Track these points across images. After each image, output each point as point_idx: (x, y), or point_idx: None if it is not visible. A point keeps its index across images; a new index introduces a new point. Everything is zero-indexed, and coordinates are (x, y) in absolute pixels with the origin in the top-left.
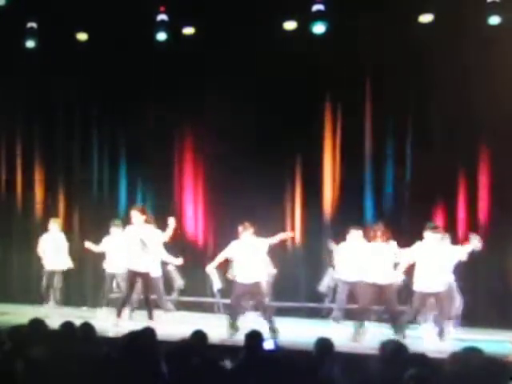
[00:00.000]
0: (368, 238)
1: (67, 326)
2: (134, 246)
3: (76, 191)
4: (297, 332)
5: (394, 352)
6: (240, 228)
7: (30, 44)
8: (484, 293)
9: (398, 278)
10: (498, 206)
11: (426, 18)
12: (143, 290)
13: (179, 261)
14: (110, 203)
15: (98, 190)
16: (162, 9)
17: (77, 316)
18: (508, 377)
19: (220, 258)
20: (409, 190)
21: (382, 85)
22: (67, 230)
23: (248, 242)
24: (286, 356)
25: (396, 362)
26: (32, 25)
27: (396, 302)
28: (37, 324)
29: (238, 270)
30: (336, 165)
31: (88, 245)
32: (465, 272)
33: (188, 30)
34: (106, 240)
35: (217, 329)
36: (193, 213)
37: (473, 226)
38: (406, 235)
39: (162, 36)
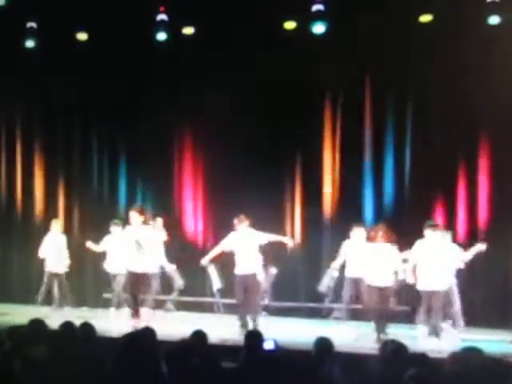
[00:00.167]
0: (369, 238)
1: (67, 326)
2: (131, 247)
3: (76, 191)
4: (297, 332)
5: (393, 352)
6: (235, 221)
7: (30, 44)
8: (484, 293)
9: (400, 278)
10: (499, 205)
11: (425, 18)
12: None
13: (172, 267)
14: (110, 202)
15: (97, 190)
16: (161, 9)
17: (77, 316)
18: (508, 377)
19: (216, 251)
20: (409, 189)
21: (381, 85)
22: (67, 229)
23: (244, 234)
24: (286, 356)
25: (396, 362)
26: (32, 25)
27: (391, 302)
28: (37, 324)
29: (236, 262)
30: (336, 164)
31: (89, 244)
32: (465, 272)
33: (188, 30)
34: (106, 239)
35: (217, 329)
36: (193, 212)
37: (473, 225)
38: (407, 235)
39: (161, 36)
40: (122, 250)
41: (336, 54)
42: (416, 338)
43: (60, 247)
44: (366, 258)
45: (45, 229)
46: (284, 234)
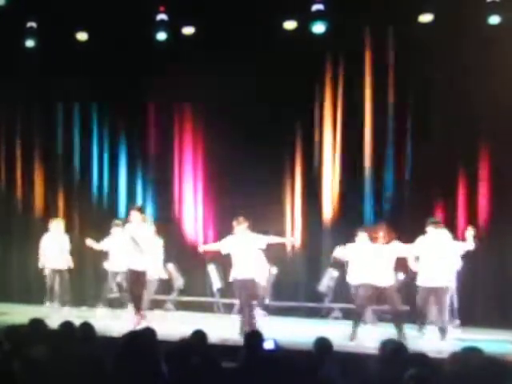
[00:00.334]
0: (370, 238)
1: (67, 325)
2: (129, 245)
3: (76, 190)
4: (297, 332)
5: (393, 352)
6: (234, 222)
7: (30, 44)
8: (484, 293)
9: (399, 278)
10: (498, 205)
11: (425, 18)
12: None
13: (164, 274)
14: (109, 203)
15: (97, 190)
16: (161, 8)
17: (77, 316)
18: (508, 377)
19: (214, 246)
20: (409, 190)
21: (381, 85)
22: (67, 230)
23: (242, 237)
24: (286, 356)
25: (396, 362)
26: (32, 24)
27: (399, 301)
28: (36, 324)
29: (234, 265)
30: (336, 165)
31: (89, 242)
32: (465, 272)
33: (188, 30)
34: (107, 240)
35: (217, 329)
36: (193, 212)
37: (473, 225)
38: (407, 234)
39: (161, 36)
40: (123, 249)
41: (336, 53)
42: (416, 338)
43: (62, 245)
44: (367, 259)
45: (45, 229)
46: (284, 234)
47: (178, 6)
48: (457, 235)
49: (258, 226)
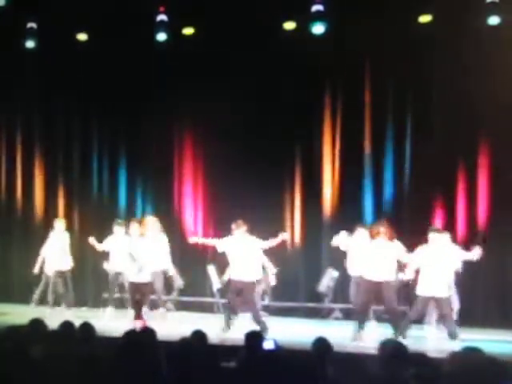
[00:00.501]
0: (371, 235)
1: (67, 325)
2: (127, 258)
3: (76, 191)
4: (297, 332)
5: (393, 352)
6: (233, 225)
7: (30, 44)
8: (484, 293)
9: (401, 276)
10: (498, 205)
11: (425, 19)
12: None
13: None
14: (110, 203)
15: (98, 190)
16: (161, 9)
17: (77, 316)
18: (508, 377)
19: (211, 242)
20: (408, 189)
21: (381, 85)
22: (67, 229)
23: (240, 240)
24: (286, 356)
25: (396, 362)
26: (32, 25)
27: (396, 302)
28: (37, 324)
29: (232, 267)
30: (336, 164)
31: (91, 241)
32: (465, 272)
33: (188, 30)
34: (109, 240)
35: (217, 329)
36: (193, 213)
37: (473, 225)
38: (407, 234)
39: (161, 36)
40: (124, 255)
41: (336, 54)
42: (415, 338)
43: (64, 245)
44: (366, 255)
45: (45, 229)
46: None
47: (177, 6)
48: (456, 235)
49: (257, 227)
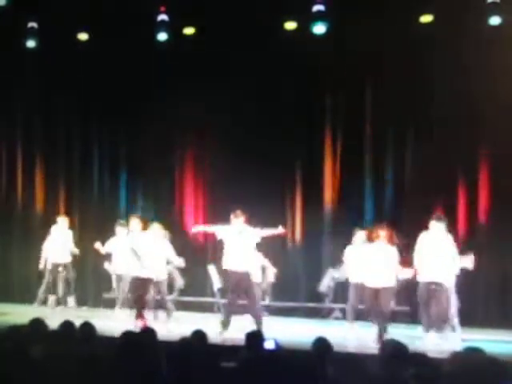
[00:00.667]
0: (370, 238)
1: (67, 325)
2: (130, 254)
3: (76, 190)
4: (297, 332)
5: (393, 352)
6: (232, 215)
7: (31, 44)
8: (484, 293)
9: (400, 278)
10: (498, 206)
11: (426, 19)
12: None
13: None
14: (110, 204)
15: (98, 190)
16: (162, 9)
17: (77, 316)
18: (508, 377)
19: (208, 228)
20: (409, 190)
21: (382, 85)
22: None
23: (238, 230)
24: (287, 356)
25: (396, 362)
26: (33, 25)
27: (390, 305)
28: (37, 324)
29: (229, 257)
30: (336, 165)
31: (97, 246)
32: (465, 272)
33: (188, 30)
34: (112, 241)
35: (217, 329)
36: (193, 213)
37: (473, 225)
38: (406, 236)
39: (162, 36)
40: (126, 253)
41: (336, 54)
42: (416, 338)
43: (65, 240)
44: (366, 258)
45: (45, 229)
46: (284, 235)
47: (178, 6)
48: (457, 235)
49: (258, 226)
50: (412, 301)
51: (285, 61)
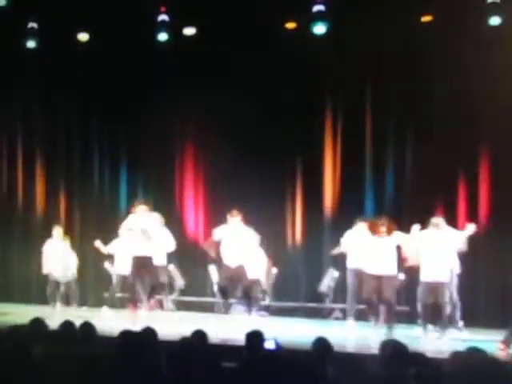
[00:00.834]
0: (372, 231)
1: (67, 325)
2: (136, 233)
3: (76, 190)
4: (297, 332)
5: (394, 352)
6: (228, 215)
7: (31, 44)
8: (484, 293)
9: (400, 277)
10: (498, 204)
11: (426, 19)
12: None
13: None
14: (110, 203)
15: (98, 190)
16: (162, 9)
17: (77, 316)
18: (508, 377)
19: (211, 242)
20: (409, 189)
21: (382, 85)
22: (68, 230)
23: (234, 228)
24: (287, 356)
25: (396, 362)
26: (33, 25)
27: (395, 300)
28: (37, 324)
29: (224, 253)
30: (336, 164)
31: (97, 244)
32: (465, 271)
33: (189, 30)
34: (114, 242)
35: (217, 329)
36: (193, 213)
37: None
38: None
39: (162, 36)
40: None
41: (336, 54)
42: (416, 338)
43: (66, 256)
44: (368, 250)
45: (45, 229)
46: (284, 234)
47: (178, 6)
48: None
49: (258, 226)
50: (412, 301)
51: (285, 61)
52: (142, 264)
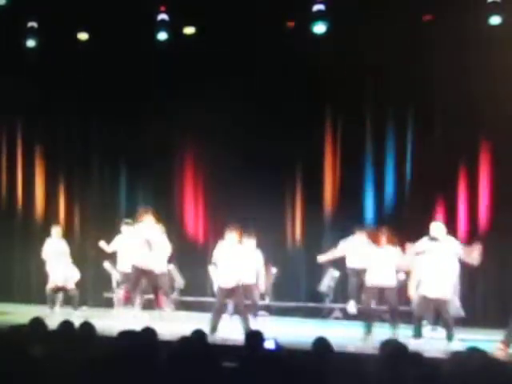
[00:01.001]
0: (373, 241)
1: (66, 325)
2: (140, 244)
3: (77, 190)
4: (297, 332)
5: (393, 352)
6: (226, 231)
7: (31, 43)
8: (484, 293)
9: (400, 278)
10: (499, 205)
11: (426, 19)
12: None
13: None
14: (110, 203)
15: (98, 190)
16: (162, 8)
17: (77, 316)
18: (508, 377)
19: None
20: (410, 189)
21: (382, 85)
22: (68, 230)
23: (230, 246)
24: (287, 356)
25: (396, 362)
26: (33, 24)
27: (397, 303)
28: (37, 323)
29: (220, 272)
30: (337, 165)
31: (102, 245)
32: (465, 272)
33: (189, 30)
34: (117, 239)
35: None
36: (193, 213)
37: (473, 225)
38: (407, 236)
39: (162, 36)
40: (132, 249)
41: (337, 54)
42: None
43: (66, 260)
44: (368, 260)
45: (46, 229)
46: (284, 235)
47: (178, 5)
48: (457, 234)
49: (258, 226)
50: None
51: (285, 61)
52: (144, 275)
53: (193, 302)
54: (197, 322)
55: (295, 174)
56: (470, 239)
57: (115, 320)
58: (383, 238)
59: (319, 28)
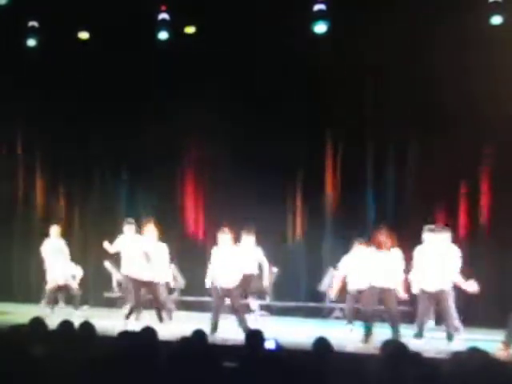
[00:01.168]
0: (372, 244)
1: (66, 325)
2: (140, 257)
3: (77, 191)
4: (297, 332)
5: (394, 352)
6: (219, 233)
7: (32, 43)
8: (484, 293)
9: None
10: (499, 205)
11: (425, 18)
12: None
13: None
14: (110, 203)
15: (98, 189)
16: (163, 8)
17: (77, 316)
18: (508, 377)
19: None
20: (410, 189)
21: (382, 85)
22: (68, 230)
23: (223, 248)
24: (287, 356)
25: (396, 362)
26: (33, 24)
27: (396, 305)
28: (37, 323)
29: (214, 274)
30: (337, 164)
31: (105, 245)
32: (465, 271)
33: (189, 29)
34: (119, 239)
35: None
36: (194, 213)
37: (474, 226)
38: (408, 241)
39: (163, 35)
40: (132, 262)
41: (337, 54)
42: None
43: (65, 258)
44: (369, 265)
45: (46, 229)
46: (285, 235)
47: (179, 5)
48: (458, 238)
49: (258, 226)
50: (412, 301)
51: (285, 61)
52: (143, 287)
53: (193, 302)
54: (197, 321)
55: (295, 174)
56: (470, 240)
57: (115, 320)
58: (384, 240)
59: (320, 28)
